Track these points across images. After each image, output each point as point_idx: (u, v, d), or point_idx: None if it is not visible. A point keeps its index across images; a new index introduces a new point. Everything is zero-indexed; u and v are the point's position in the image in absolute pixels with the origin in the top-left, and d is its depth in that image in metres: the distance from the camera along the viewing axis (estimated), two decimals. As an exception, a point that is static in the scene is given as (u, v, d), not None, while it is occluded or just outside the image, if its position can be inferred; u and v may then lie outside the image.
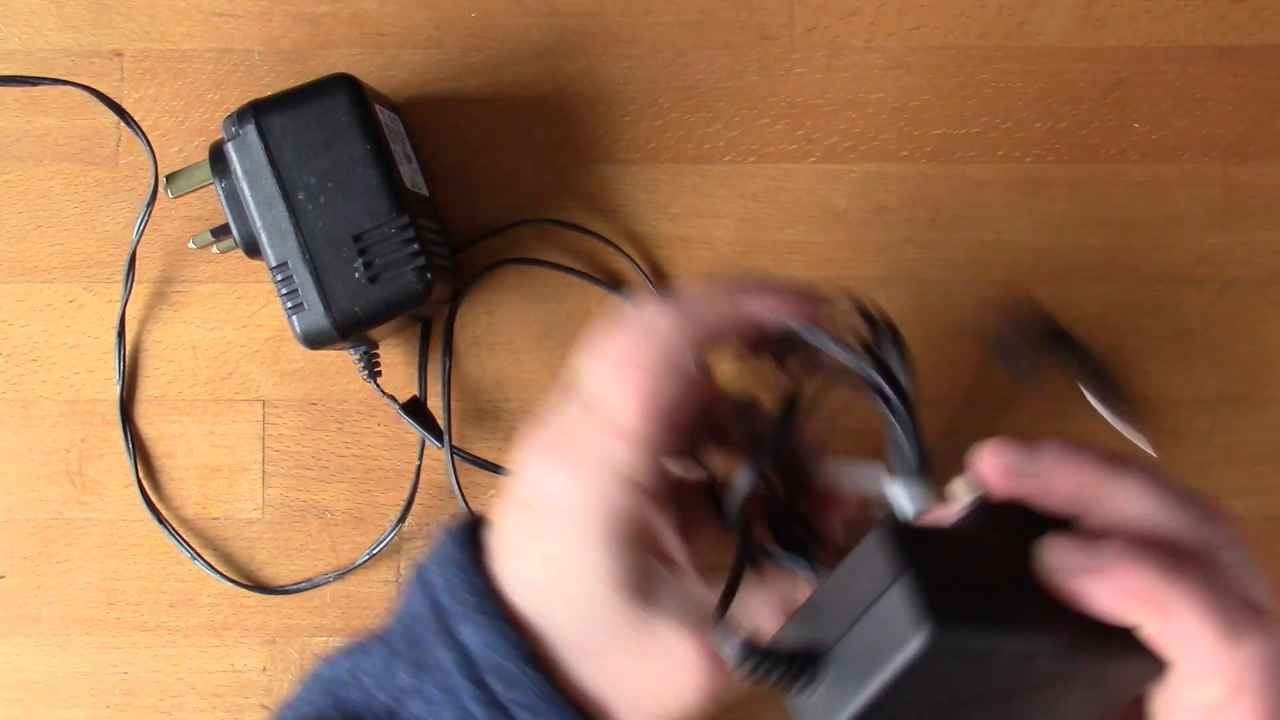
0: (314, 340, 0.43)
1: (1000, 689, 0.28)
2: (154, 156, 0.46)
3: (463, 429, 0.48)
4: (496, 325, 0.48)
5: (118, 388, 0.48)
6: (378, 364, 0.46)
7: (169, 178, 0.45)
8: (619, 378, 0.32)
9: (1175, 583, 0.28)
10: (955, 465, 0.32)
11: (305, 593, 0.47)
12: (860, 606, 0.27)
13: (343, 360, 0.48)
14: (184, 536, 0.47)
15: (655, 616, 0.33)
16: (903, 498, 0.34)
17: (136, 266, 0.48)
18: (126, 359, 0.48)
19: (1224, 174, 0.48)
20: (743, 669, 0.28)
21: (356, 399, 0.48)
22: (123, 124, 0.46)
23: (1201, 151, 0.48)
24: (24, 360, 0.48)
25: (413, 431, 0.47)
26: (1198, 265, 0.48)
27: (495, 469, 0.47)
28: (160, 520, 0.47)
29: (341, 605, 0.47)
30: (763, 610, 0.34)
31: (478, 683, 0.33)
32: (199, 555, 0.47)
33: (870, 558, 0.27)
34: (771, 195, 0.48)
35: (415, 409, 0.47)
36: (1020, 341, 0.37)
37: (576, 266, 0.48)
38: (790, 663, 0.28)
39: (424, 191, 0.46)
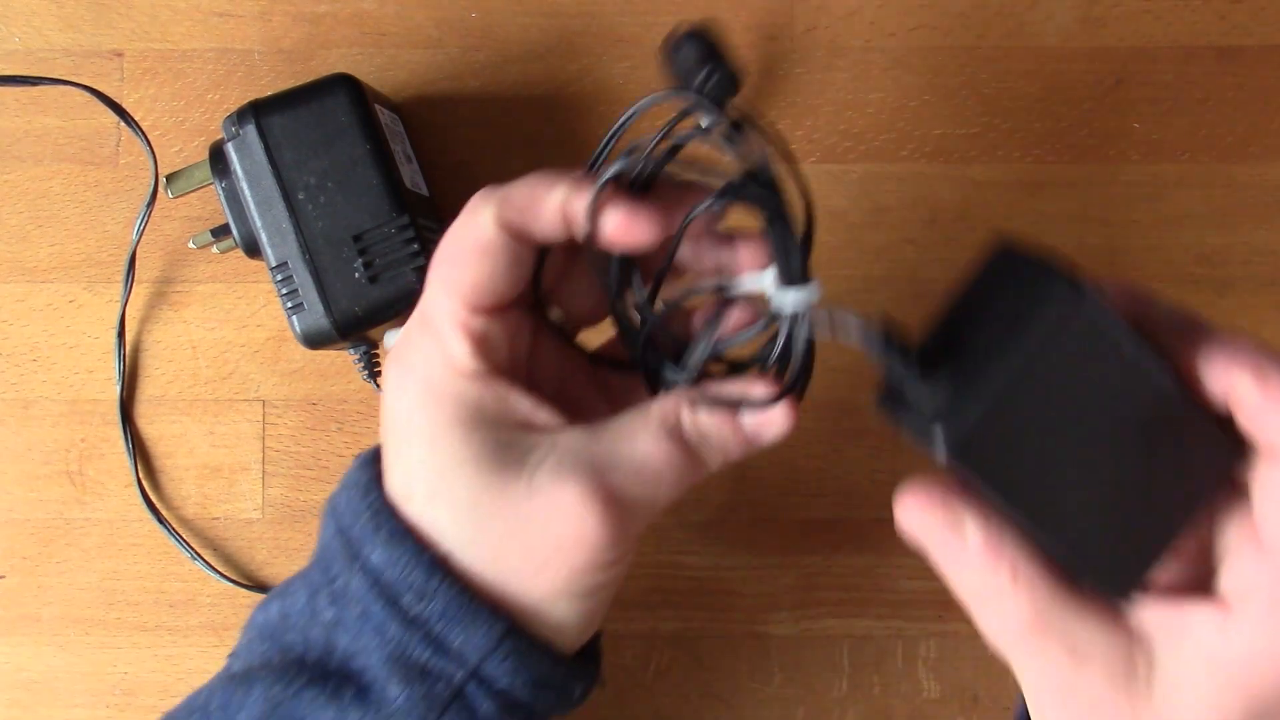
0: (314, 340, 0.43)
1: (1111, 403, 0.29)
2: (154, 156, 0.46)
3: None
4: None
5: (118, 388, 0.48)
6: (378, 364, 0.46)
7: (169, 178, 0.45)
8: (434, 278, 0.34)
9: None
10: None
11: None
12: (999, 304, 0.29)
13: (343, 360, 0.48)
14: (184, 536, 0.47)
15: (530, 479, 0.32)
16: (786, 300, 0.33)
17: (136, 266, 0.48)
18: (126, 359, 0.48)
19: (1224, 174, 0.48)
20: (878, 352, 0.29)
21: (356, 399, 0.48)
22: (123, 124, 0.46)
23: (1201, 151, 0.48)
24: (24, 360, 0.48)
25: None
26: (1198, 265, 0.48)
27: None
28: (160, 520, 0.47)
29: (341, 605, 0.47)
30: (648, 438, 0.33)
31: (391, 602, 0.32)
32: (199, 555, 0.47)
33: (1003, 271, 0.29)
34: (771, 195, 0.48)
35: None
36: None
37: None
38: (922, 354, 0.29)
39: (424, 191, 0.46)
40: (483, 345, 0.33)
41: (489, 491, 0.32)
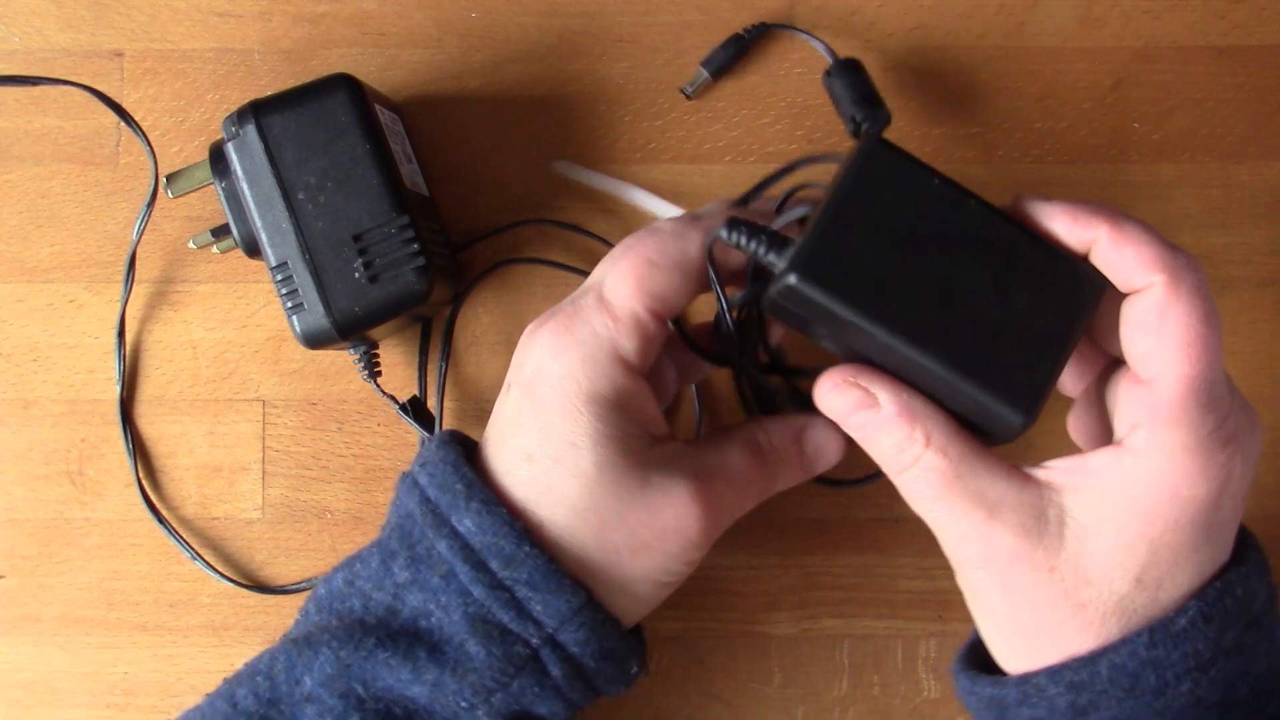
0: (314, 340, 0.43)
1: (944, 237, 0.33)
2: (154, 156, 0.46)
3: (463, 428, 0.48)
4: (497, 325, 0.48)
5: (118, 388, 0.48)
6: (378, 364, 0.46)
7: (169, 178, 0.45)
8: (628, 268, 0.36)
9: (1127, 223, 0.33)
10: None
11: (305, 593, 0.47)
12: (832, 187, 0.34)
13: (343, 360, 0.48)
14: (184, 536, 0.47)
15: (645, 472, 0.36)
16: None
17: (136, 266, 0.48)
18: (126, 359, 0.48)
19: (1224, 174, 0.48)
20: (733, 233, 0.34)
21: (356, 399, 0.48)
22: (123, 124, 0.46)
23: (1201, 151, 0.48)
24: (24, 360, 0.48)
25: (413, 431, 0.47)
26: (1198, 265, 0.48)
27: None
28: (160, 520, 0.47)
29: (341, 605, 0.47)
30: (737, 452, 0.38)
31: (477, 565, 0.35)
32: (199, 555, 0.47)
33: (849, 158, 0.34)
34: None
35: (415, 409, 0.47)
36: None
37: (574, 263, 0.48)
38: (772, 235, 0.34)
39: (424, 191, 0.46)
40: (647, 347, 0.37)
41: (613, 471, 0.35)
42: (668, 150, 0.48)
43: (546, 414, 0.36)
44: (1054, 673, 0.34)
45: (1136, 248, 0.32)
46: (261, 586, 0.47)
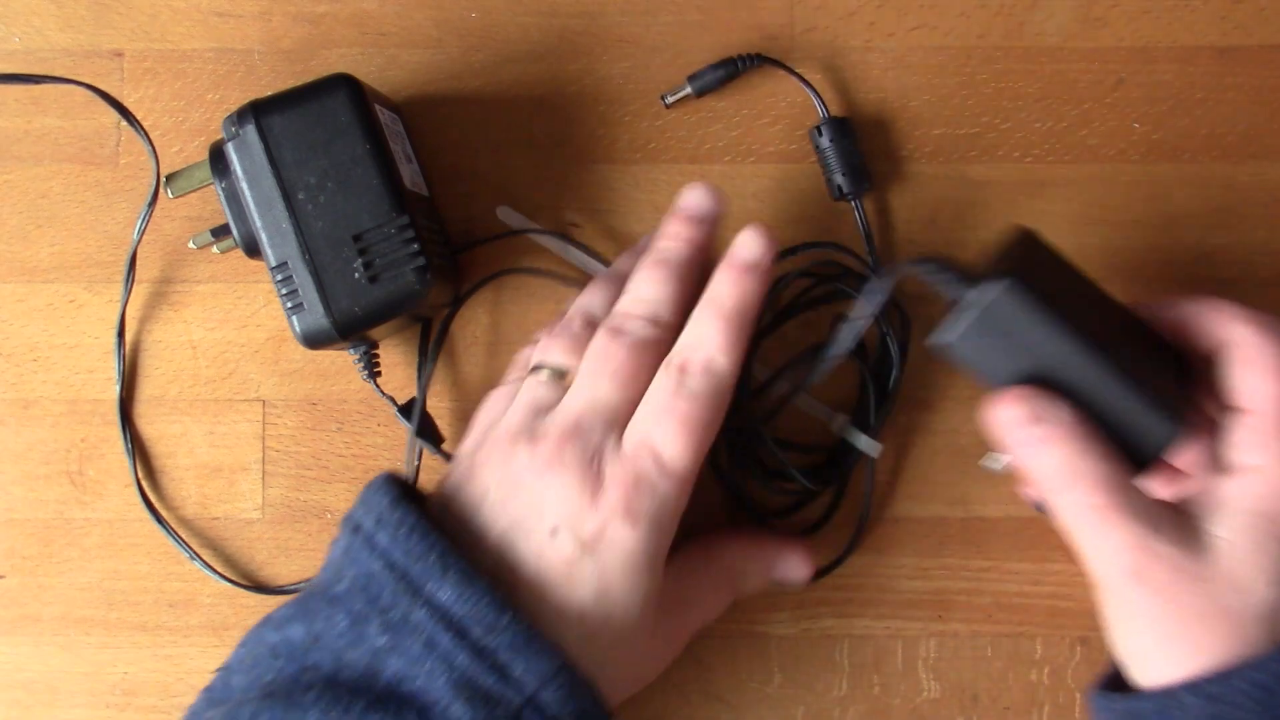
0: (314, 340, 0.43)
1: (1092, 306, 0.39)
2: (155, 155, 0.46)
3: (460, 430, 0.48)
4: (497, 326, 0.48)
5: (117, 388, 0.48)
6: (378, 364, 0.46)
7: (168, 177, 0.45)
8: (684, 440, 0.39)
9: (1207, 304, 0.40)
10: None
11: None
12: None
13: (343, 360, 0.48)
14: (184, 536, 0.47)
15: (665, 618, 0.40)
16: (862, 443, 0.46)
17: (136, 266, 0.48)
18: (126, 359, 0.48)
19: (1224, 174, 0.48)
20: (927, 267, 0.38)
21: (356, 399, 0.48)
22: (124, 123, 0.46)
23: (1201, 151, 0.48)
24: (24, 360, 0.48)
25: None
26: (1198, 265, 0.48)
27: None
28: (160, 520, 0.47)
29: (341, 605, 0.47)
30: (710, 591, 0.43)
31: (459, 634, 0.35)
32: (199, 555, 0.47)
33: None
34: (771, 195, 0.48)
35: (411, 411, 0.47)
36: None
37: (574, 274, 0.48)
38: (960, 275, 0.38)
39: (424, 192, 0.46)
40: (698, 468, 0.39)
41: (649, 625, 0.39)
42: (668, 150, 0.48)
43: (595, 584, 0.38)
44: (1193, 686, 0.36)
45: (1221, 317, 0.39)
46: (261, 586, 0.47)
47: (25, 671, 0.47)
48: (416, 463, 0.46)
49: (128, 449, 0.48)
